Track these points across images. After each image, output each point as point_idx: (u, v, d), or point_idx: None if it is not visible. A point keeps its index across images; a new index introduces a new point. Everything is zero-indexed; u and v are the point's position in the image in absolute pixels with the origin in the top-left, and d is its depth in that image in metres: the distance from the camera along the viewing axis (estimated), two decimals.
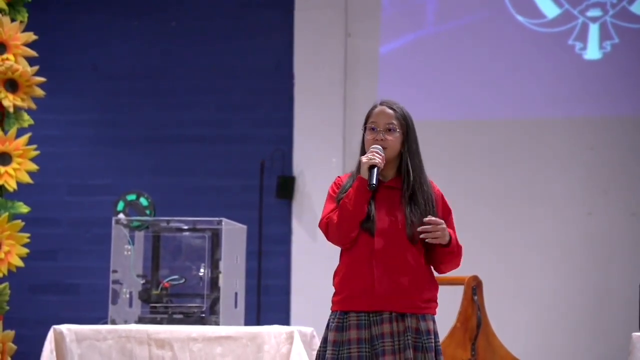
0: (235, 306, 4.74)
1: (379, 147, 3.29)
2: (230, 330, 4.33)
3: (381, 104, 3.38)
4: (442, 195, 3.39)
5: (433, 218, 3.25)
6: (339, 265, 3.35)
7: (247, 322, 4.97)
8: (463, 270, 5.54)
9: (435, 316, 3.34)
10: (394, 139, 3.32)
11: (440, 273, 3.41)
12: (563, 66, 7.10)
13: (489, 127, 7.18)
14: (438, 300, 3.37)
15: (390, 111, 3.34)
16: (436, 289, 3.35)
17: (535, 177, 7.09)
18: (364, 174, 3.24)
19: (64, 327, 4.10)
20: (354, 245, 3.27)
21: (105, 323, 4.53)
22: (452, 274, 5.43)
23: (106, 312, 4.62)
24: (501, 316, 5.60)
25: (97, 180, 7.60)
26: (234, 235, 4.79)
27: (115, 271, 4.63)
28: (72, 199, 7.64)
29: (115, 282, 4.62)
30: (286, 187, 7.35)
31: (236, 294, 4.75)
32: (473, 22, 7.25)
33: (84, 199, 7.60)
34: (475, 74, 7.19)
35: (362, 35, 7.40)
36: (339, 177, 3.44)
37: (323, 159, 7.32)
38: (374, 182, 3.20)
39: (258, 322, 7.00)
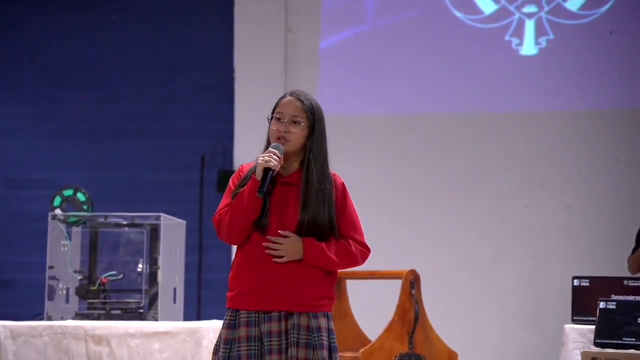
0: (174, 301, 4.73)
1: (280, 146, 3.19)
2: (169, 326, 4.31)
3: (290, 94, 3.26)
4: (342, 188, 3.27)
5: (273, 237, 3.16)
6: (233, 260, 3.26)
7: (188, 317, 4.97)
8: (401, 264, 5.61)
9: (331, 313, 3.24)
10: (298, 132, 3.21)
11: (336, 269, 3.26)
12: (500, 61, 7.19)
13: (427, 122, 7.25)
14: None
15: (298, 103, 3.23)
16: (332, 286, 3.25)
17: (473, 171, 7.17)
18: (259, 175, 3.16)
19: None
20: (246, 243, 3.20)
21: (42, 319, 4.49)
22: (390, 268, 5.49)
23: (43, 307, 4.57)
24: (439, 309, 5.65)
25: (35, 174, 7.51)
26: (173, 231, 4.78)
27: (51, 267, 4.58)
28: (8, 193, 7.54)
29: (52, 277, 4.58)
30: (227, 181, 7.28)
31: (175, 289, 4.74)
32: (412, 18, 7.30)
33: (21, 193, 7.50)
34: (414, 68, 7.25)
35: (303, 29, 7.41)
36: (242, 165, 3.34)
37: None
38: (264, 189, 3.12)
39: (199, 317, 6.98)
